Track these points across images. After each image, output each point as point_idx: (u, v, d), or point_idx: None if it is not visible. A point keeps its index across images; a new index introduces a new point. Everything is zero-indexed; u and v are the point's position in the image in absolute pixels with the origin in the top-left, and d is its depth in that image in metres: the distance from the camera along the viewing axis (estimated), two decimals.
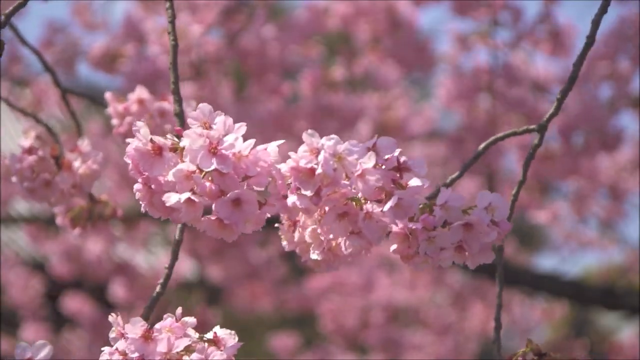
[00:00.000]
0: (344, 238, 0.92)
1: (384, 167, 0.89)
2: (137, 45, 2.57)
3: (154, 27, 2.55)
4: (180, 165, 0.87)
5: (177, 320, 0.91)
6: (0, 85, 2.72)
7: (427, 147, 3.53)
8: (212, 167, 0.86)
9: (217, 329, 0.92)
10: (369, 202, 0.90)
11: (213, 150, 0.86)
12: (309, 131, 0.87)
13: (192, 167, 0.87)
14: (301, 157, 0.87)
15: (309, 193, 0.88)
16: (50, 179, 1.25)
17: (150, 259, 4.45)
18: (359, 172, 0.87)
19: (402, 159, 0.90)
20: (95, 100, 1.50)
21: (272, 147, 0.89)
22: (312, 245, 0.96)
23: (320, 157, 0.87)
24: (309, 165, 0.87)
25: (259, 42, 2.64)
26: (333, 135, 0.87)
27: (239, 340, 0.90)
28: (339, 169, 0.87)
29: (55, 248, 3.52)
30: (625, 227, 5.85)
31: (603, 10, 1.12)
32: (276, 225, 0.98)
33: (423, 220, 0.92)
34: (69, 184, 1.25)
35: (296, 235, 0.97)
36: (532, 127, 1.11)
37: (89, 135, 2.95)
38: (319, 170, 0.87)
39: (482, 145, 1.10)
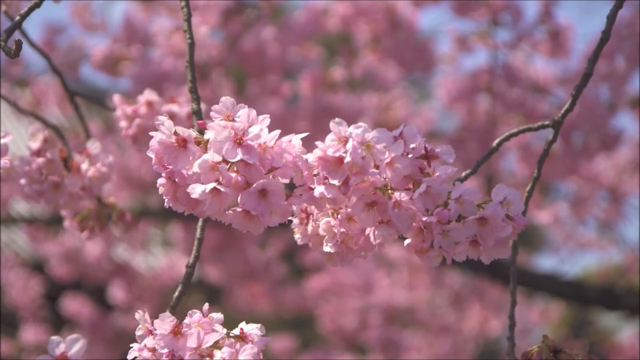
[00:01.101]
0: (373, 228, 0.91)
1: (410, 155, 0.88)
2: (141, 48, 2.57)
3: (161, 29, 2.55)
4: (205, 156, 0.86)
5: (205, 316, 0.91)
6: (0, 85, 2.72)
7: None
8: (238, 158, 0.85)
9: (243, 324, 0.92)
10: (397, 191, 0.89)
11: (238, 140, 0.86)
12: (337, 120, 0.87)
13: (218, 158, 0.86)
14: (329, 146, 0.87)
15: (337, 182, 0.86)
16: (59, 182, 1.25)
17: (149, 260, 4.45)
18: (387, 160, 0.87)
19: (429, 146, 0.89)
20: (100, 102, 1.50)
21: (297, 139, 0.89)
22: (326, 238, 0.94)
23: (349, 146, 0.86)
24: (337, 154, 0.86)
25: (259, 43, 2.64)
26: (361, 123, 0.86)
27: None
28: (368, 157, 0.86)
29: (55, 249, 3.52)
30: (625, 228, 5.85)
31: (619, 6, 1.11)
32: (289, 218, 0.96)
33: (438, 214, 0.91)
34: (77, 186, 1.25)
35: (309, 228, 0.96)
36: (546, 122, 1.10)
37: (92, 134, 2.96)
38: (347, 159, 0.86)
39: (496, 142, 1.10)
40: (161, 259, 4.23)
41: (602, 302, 3.00)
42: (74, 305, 3.77)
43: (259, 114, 0.90)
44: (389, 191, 0.89)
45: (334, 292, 3.84)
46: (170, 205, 0.90)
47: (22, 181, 1.25)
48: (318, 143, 0.87)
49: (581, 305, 3.69)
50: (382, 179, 0.88)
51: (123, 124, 1.32)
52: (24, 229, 3.75)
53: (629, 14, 2.72)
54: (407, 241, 0.93)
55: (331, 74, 2.86)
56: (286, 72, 2.87)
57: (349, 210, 0.91)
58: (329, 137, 0.86)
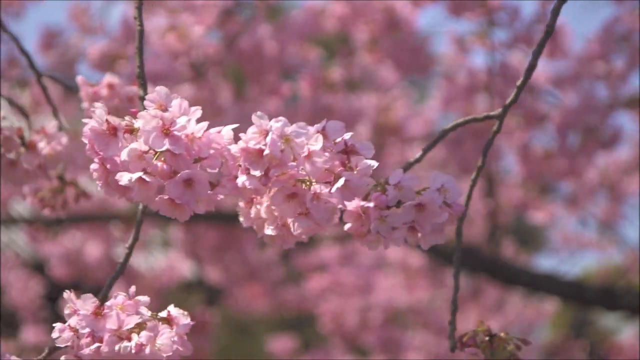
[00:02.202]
0: (293, 219, 0.94)
1: (332, 150, 0.91)
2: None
3: (154, 27, 2.55)
4: (133, 145, 0.89)
5: (130, 298, 0.93)
6: (0, 85, 2.72)
7: None
8: (164, 148, 0.88)
9: (171, 307, 0.94)
10: (318, 184, 0.92)
11: (166, 131, 0.88)
12: (258, 113, 0.90)
13: (145, 147, 0.88)
14: (250, 138, 0.90)
15: (257, 173, 0.89)
16: (15, 160, 1.27)
17: (149, 260, 4.45)
18: (305, 154, 0.89)
19: (350, 142, 0.91)
20: (70, 87, 1.52)
21: (227, 130, 0.91)
22: (267, 221, 0.97)
23: (268, 139, 0.89)
24: (258, 147, 0.89)
25: (256, 43, 2.64)
26: (281, 118, 0.89)
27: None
28: (287, 150, 0.89)
29: (55, 250, 3.52)
30: (625, 228, 5.85)
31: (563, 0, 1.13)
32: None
33: (375, 199, 0.94)
34: (34, 164, 1.27)
35: (253, 211, 0.99)
36: (492, 113, 1.11)
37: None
38: (266, 151, 0.88)
39: (442, 130, 1.12)
40: (161, 259, 4.23)
41: (602, 303, 3.00)
42: None
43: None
44: (309, 184, 0.92)
45: (334, 292, 3.85)
46: (103, 190, 0.93)
47: None
48: (241, 135, 0.90)
49: (581, 305, 3.69)
50: (303, 172, 0.90)
51: (85, 105, 1.34)
52: (24, 230, 3.75)
53: (628, 14, 2.73)
54: (347, 225, 0.96)
55: (330, 75, 2.86)
56: (285, 72, 2.87)
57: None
58: (251, 130, 0.89)
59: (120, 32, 2.69)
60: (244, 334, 4.77)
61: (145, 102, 0.91)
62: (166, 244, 4.17)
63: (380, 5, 2.79)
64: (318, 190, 0.91)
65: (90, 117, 0.92)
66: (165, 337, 0.91)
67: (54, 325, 0.93)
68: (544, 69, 2.99)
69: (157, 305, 0.98)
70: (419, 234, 0.96)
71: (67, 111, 3.29)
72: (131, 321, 0.91)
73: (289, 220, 0.94)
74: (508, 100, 1.10)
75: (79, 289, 3.60)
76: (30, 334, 3.85)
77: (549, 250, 5.31)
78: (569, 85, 2.89)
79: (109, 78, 1.33)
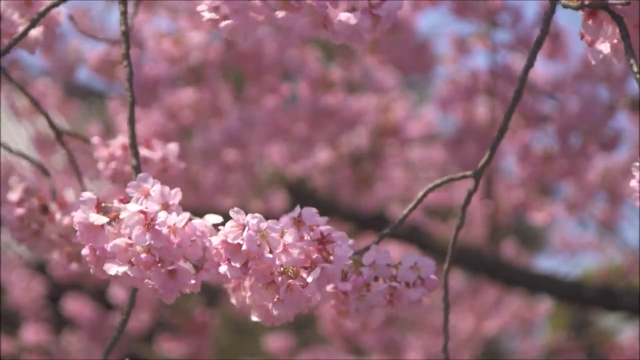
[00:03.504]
0: (271, 305, 1.00)
1: (308, 237, 0.97)
2: (138, 51, 2.58)
3: (153, 32, 2.55)
4: (117, 241, 0.94)
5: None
6: (0, 87, 2.73)
7: (426, 150, 3.53)
8: (146, 243, 0.93)
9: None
10: (296, 271, 0.98)
11: (148, 225, 0.93)
12: (235, 209, 0.96)
13: (129, 241, 0.94)
14: (229, 232, 0.95)
15: (237, 265, 0.96)
16: (39, 229, 1.33)
17: None
18: (280, 249, 0.96)
19: (326, 231, 0.97)
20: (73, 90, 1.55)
21: (210, 220, 0.98)
22: (252, 308, 1.06)
23: (245, 234, 0.95)
24: (236, 242, 0.95)
25: (256, 45, 2.64)
26: (257, 214, 0.96)
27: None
28: (263, 244, 0.95)
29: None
30: (625, 229, 5.85)
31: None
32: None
33: (353, 282, 1.01)
34: (55, 234, 1.33)
35: (241, 295, 1.08)
36: (468, 173, 1.16)
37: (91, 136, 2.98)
38: (244, 247, 0.94)
39: (427, 188, 1.15)
40: None
41: (601, 303, 3.00)
42: (75, 305, 3.78)
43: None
44: (288, 272, 0.98)
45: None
46: (96, 274, 0.98)
47: (7, 228, 1.34)
48: (221, 227, 0.96)
49: (581, 306, 3.70)
50: (278, 263, 0.97)
51: (100, 165, 1.40)
52: None
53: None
54: (331, 304, 1.05)
55: (330, 76, 2.86)
56: (285, 73, 2.87)
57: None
58: (229, 224, 0.96)
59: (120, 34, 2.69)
60: (243, 335, 4.77)
61: (128, 189, 0.96)
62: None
63: None
64: (292, 283, 0.97)
65: (107, 178, 0.96)
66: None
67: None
68: (545, 70, 2.99)
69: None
70: (397, 308, 1.03)
71: (68, 113, 3.30)
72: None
73: (269, 305, 1.01)
74: (482, 161, 1.13)
75: (80, 289, 3.60)
76: (31, 334, 3.86)
77: (549, 251, 5.31)
78: (570, 87, 2.89)
79: (121, 139, 1.39)
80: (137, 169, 1.12)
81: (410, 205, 1.14)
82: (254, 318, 1.06)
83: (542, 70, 2.99)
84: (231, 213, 0.96)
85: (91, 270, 0.99)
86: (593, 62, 1.04)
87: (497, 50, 2.83)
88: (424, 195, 1.15)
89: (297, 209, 0.97)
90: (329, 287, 1.02)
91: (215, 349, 3.93)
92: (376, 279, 1.03)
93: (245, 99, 2.79)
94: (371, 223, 3.20)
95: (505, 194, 3.53)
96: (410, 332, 3.99)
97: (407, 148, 3.38)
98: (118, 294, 3.55)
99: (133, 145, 1.13)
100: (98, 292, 3.77)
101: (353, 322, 1.07)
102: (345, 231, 0.99)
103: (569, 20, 2.92)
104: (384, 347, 3.73)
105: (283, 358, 4.12)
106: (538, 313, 4.48)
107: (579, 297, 3.04)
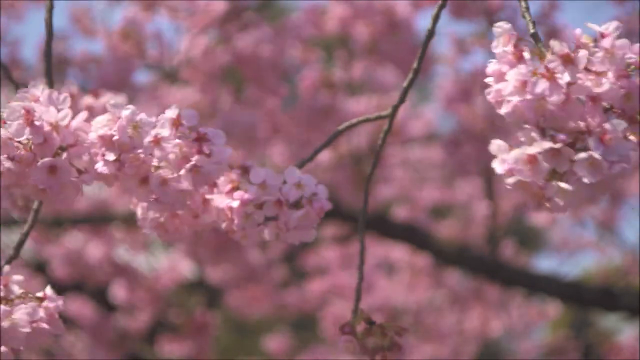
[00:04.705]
0: (147, 204, 0.98)
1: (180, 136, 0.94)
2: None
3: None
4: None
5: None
6: (0, 87, 2.73)
7: (426, 150, 3.53)
8: (24, 137, 0.92)
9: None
10: (170, 169, 0.95)
11: (28, 121, 0.92)
12: (112, 102, 0.94)
13: (9, 134, 0.92)
14: (104, 124, 0.94)
15: (111, 158, 0.93)
16: None
17: (151, 261, 4.46)
18: (151, 139, 0.93)
19: (202, 130, 0.95)
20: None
21: (98, 119, 0.95)
22: (142, 220, 1.03)
23: (117, 125, 0.93)
24: (109, 133, 0.93)
25: (255, 45, 2.64)
26: (131, 106, 0.94)
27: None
28: (135, 136, 0.93)
29: (57, 251, 3.53)
30: (624, 229, 5.85)
31: (442, 5, 1.15)
32: None
33: (239, 197, 0.98)
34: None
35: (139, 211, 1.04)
36: (383, 114, 1.16)
37: None
38: (115, 137, 0.92)
39: (341, 126, 1.15)
40: (163, 260, 4.24)
41: (601, 303, 3.00)
42: (75, 306, 3.78)
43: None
44: (162, 169, 0.96)
45: (335, 294, 3.85)
46: None
47: None
48: (93, 121, 0.94)
49: (580, 306, 3.70)
50: (152, 157, 0.94)
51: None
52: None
53: (629, 15, 2.73)
54: (223, 224, 1.00)
55: (329, 76, 2.87)
56: (284, 73, 2.88)
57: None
58: (105, 116, 0.94)
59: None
60: (244, 334, 4.77)
61: (19, 95, 0.95)
62: (168, 244, 4.17)
63: (380, 7, 2.79)
64: (164, 175, 0.95)
65: None
66: (22, 312, 0.95)
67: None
68: None
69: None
70: (285, 230, 0.99)
71: None
72: None
73: (143, 205, 1.00)
74: (396, 102, 1.12)
75: (81, 289, 3.60)
76: None
77: (548, 252, 5.32)
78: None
79: (70, 88, 1.38)
80: (49, 74, 1.15)
81: (326, 141, 1.13)
82: (146, 231, 1.03)
83: None
84: (108, 106, 0.94)
85: None
86: None
87: None
88: (339, 133, 1.15)
89: (174, 109, 0.95)
90: (221, 204, 0.99)
91: (216, 349, 3.93)
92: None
93: (245, 99, 2.79)
94: (372, 223, 3.20)
95: (505, 194, 3.53)
96: (412, 333, 3.99)
97: (408, 148, 3.38)
98: (118, 294, 3.56)
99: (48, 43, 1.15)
100: (98, 292, 3.78)
101: (242, 242, 1.01)
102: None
103: (569, 20, 2.92)
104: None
105: (283, 358, 4.13)
106: (546, 315, 4.49)
107: (579, 297, 3.04)
